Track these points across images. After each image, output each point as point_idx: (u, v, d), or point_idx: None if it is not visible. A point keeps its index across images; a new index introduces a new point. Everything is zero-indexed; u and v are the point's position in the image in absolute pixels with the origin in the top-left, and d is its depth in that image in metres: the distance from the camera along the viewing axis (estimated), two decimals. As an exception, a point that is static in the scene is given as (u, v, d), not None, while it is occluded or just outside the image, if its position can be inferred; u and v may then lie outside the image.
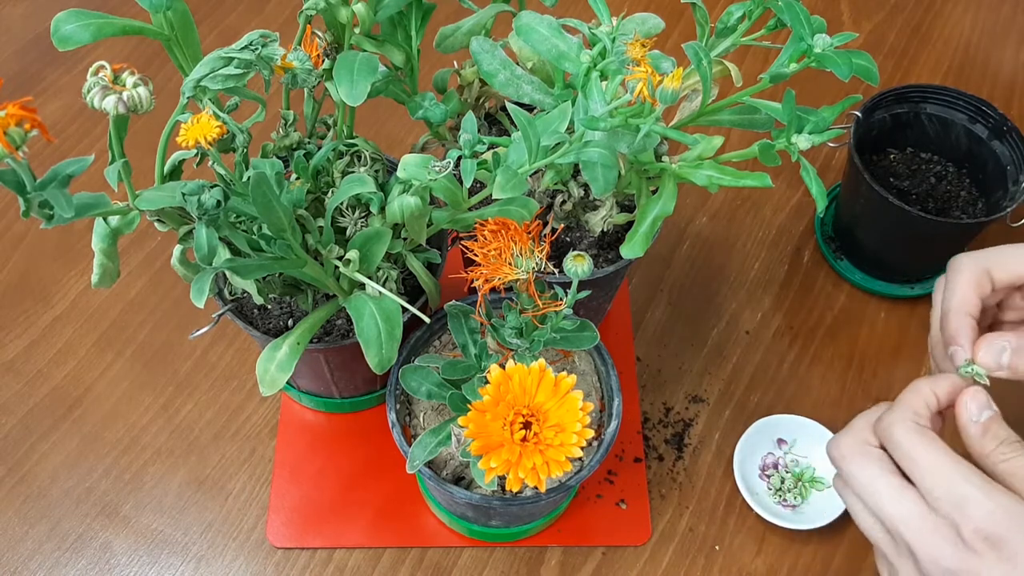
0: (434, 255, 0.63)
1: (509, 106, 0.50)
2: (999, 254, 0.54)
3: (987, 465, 0.48)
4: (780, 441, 0.74)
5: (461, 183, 0.53)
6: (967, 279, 0.54)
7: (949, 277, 0.55)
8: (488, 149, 0.51)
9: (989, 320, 0.58)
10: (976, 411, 0.49)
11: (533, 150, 0.50)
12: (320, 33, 0.57)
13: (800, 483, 0.72)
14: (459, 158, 0.51)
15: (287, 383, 0.68)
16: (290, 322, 0.65)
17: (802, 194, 0.90)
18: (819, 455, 0.73)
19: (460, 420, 0.47)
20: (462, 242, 0.60)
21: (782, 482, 0.72)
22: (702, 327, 0.81)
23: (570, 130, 0.52)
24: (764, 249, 0.86)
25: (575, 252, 0.51)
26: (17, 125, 0.41)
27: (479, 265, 0.51)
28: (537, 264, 0.50)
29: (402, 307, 0.58)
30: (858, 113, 0.79)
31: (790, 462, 0.73)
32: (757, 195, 0.89)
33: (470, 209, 0.57)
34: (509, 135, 0.55)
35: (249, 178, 0.47)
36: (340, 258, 0.57)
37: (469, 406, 0.47)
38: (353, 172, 0.61)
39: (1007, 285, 0.55)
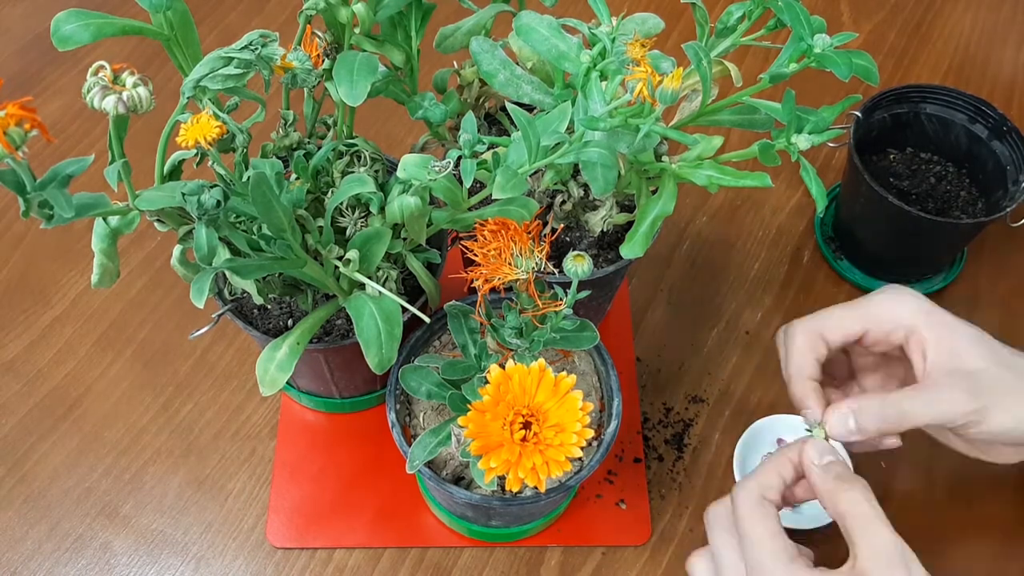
0: (434, 255, 0.63)
1: (509, 106, 0.50)
2: (827, 318, 0.60)
3: (831, 503, 0.53)
4: (780, 441, 0.74)
5: (461, 183, 0.53)
6: (801, 346, 0.60)
7: (786, 344, 0.61)
8: (488, 149, 0.51)
9: (845, 370, 0.65)
10: (817, 456, 0.55)
11: (533, 150, 0.50)
12: (320, 33, 0.57)
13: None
14: (459, 158, 0.51)
15: (287, 383, 0.68)
16: (290, 322, 0.65)
17: (802, 194, 0.90)
18: None
19: (460, 420, 0.47)
20: (462, 242, 0.60)
21: None
22: (702, 327, 0.81)
23: (570, 130, 0.52)
24: (764, 249, 0.86)
25: (575, 252, 0.51)
26: (17, 125, 0.41)
27: (479, 265, 0.51)
28: (537, 264, 0.50)
29: (402, 307, 0.58)
30: (858, 113, 0.79)
31: None
32: (757, 195, 0.89)
33: (470, 209, 0.57)
34: (509, 135, 0.55)
35: (249, 178, 0.47)
36: (340, 258, 0.57)
37: (469, 406, 0.47)
38: (353, 172, 0.61)
39: (842, 344, 0.60)
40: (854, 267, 0.84)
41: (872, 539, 0.51)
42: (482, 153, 0.51)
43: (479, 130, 0.58)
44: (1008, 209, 0.76)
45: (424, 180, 0.52)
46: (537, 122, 0.51)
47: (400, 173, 0.53)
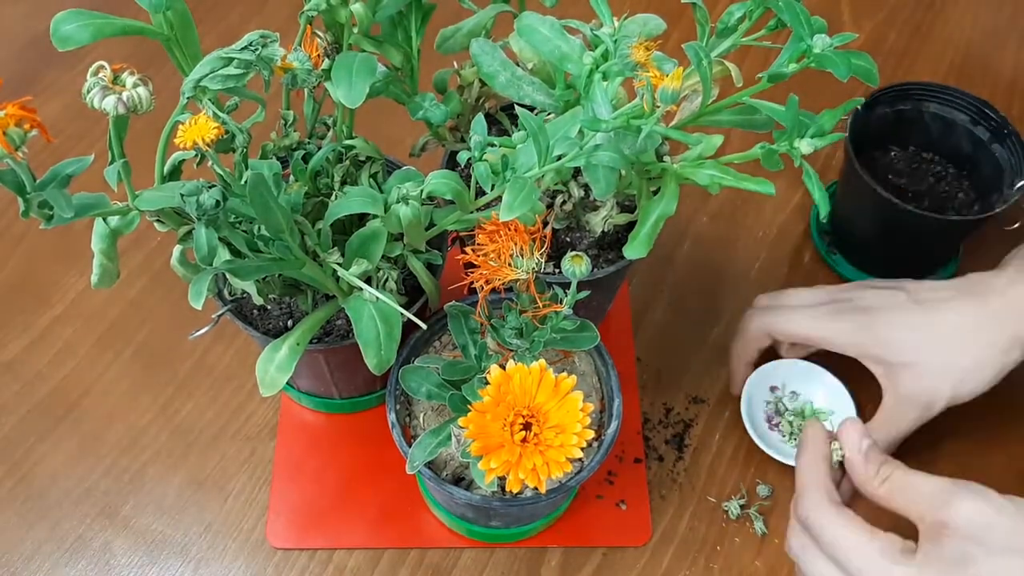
0: (435, 256, 0.63)
1: (520, 111, 0.50)
2: (775, 318, 0.71)
3: (871, 489, 0.56)
4: (772, 388, 0.75)
5: (468, 185, 0.52)
6: (751, 336, 0.73)
7: (739, 329, 0.74)
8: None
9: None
10: (857, 440, 0.58)
11: (543, 154, 0.50)
12: (320, 33, 0.57)
13: (805, 420, 0.74)
14: (468, 160, 0.51)
15: (287, 383, 0.68)
16: (290, 322, 0.65)
17: (803, 194, 0.89)
18: (811, 389, 0.75)
19: (460, 421, 0.47)
20: (464, 247, 0.60)
21: (791, 425, 0.74)
22: (703, 327, 0.81)
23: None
24: (764, 249, 0.86)
25: (573, 252, 0.51)
26: (17, 125, 0.41)
27: (478, 267, 0.51)
28: (537, 264, 0.50)
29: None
30: (857, 107, 0.78)
31: (789, 404, 0.75)
32: (757, 195, 0.89)
33: (476, 210, 0.57)
34: (509, 135, 0.55)
35: (247, 179, 0.47)
36: (339, 263, 0.57)
37: (469, 407, 0.47)
38: (353, 175, 0.61)
39: (783, 340, 0.74)
40: (846, 262, 0.84)
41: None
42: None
43: (479, 130, 0.58)
44: (999, 210, 0.75)
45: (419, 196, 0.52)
46: (548, 127, 0.51)
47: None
